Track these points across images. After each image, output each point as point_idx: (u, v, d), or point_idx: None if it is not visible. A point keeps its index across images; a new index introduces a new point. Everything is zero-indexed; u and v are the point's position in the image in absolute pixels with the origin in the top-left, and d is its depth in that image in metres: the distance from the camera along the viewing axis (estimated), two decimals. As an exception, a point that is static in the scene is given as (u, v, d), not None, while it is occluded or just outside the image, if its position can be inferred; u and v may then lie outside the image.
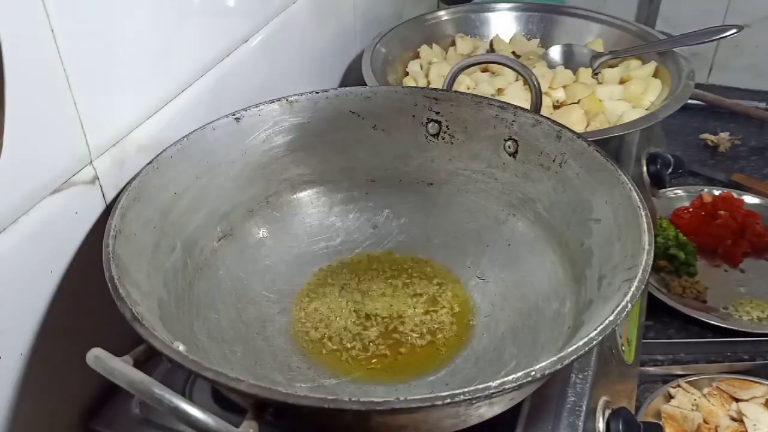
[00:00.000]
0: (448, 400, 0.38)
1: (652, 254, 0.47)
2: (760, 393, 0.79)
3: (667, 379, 0.83)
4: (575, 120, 0.81)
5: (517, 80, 0.87)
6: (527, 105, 0.66)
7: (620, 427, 0.53)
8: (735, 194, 1.06)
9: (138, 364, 0.42)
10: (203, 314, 0.54)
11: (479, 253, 0.63)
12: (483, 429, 0.46)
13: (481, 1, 1.05)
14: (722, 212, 1.01)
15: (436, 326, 0.58)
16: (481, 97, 0.63)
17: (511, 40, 1.00)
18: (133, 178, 0.53)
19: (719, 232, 1.00)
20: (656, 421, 0.78)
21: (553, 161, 0.59)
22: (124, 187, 0.53)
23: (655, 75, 0.89)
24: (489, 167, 0.63)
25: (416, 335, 0.57)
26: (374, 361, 0.55)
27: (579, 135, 0.57)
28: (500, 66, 0.87)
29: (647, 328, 0.88)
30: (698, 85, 1.00)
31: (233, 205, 0.61)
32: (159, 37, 0.55)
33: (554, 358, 0.40)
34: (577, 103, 0.85)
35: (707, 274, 0.96)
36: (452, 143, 0.64)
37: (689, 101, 0.81)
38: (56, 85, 0.46)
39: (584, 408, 0.52)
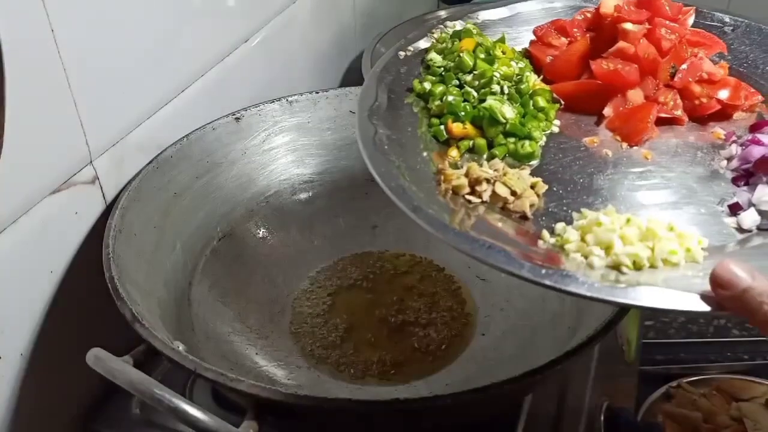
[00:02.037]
0: (448, 400, 0.38)
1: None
2: (760, 393, 0.79)
3: (667, 379, 0.83)
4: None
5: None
6: (527, 105, 0.65)
7: (620, 427, 0.53)
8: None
9: (138, 364, 0.42)
10: (203, 314, 0.54)
11: (479, 253, 0.62)
12: (483, 429, 0.47)
13: (480, 1, 1.05)
14: (630, 27, 0.49)
15: (435, 326, 0.58)
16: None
17: (510, 40, 1.00)
18: (133, 178, 0.53)
19: (615, 76, 0.48)
20: (656, 421, 0.78)
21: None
22: (124, 187, 0.53)
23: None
24: (489, 167, 0.63)
25: (416, 335, 0.57)
26: (374, 360, 0.55)
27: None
28: (500, 66, 0.87)
29: (647, 328, 0.88)
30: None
31: (233, 205, 0.61)
32: (159, 37, 0.55)
33: (554, 358, 0.40)
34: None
35: (557, 155, 0.47)
36: (452, 143, 0.64)
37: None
38: (56, 85, 0.46)
39: (584, 408, 0.52)
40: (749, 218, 0.41)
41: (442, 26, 0.54)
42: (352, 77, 0.91)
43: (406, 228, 0.65)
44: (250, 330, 0.56)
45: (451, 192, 0.42)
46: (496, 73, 0.47)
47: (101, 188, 0.53)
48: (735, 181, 0.44)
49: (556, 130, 0.48)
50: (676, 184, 0.44)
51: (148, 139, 0.56)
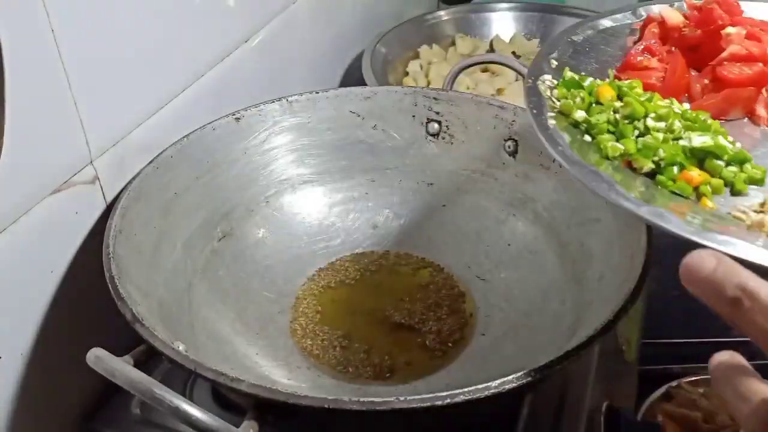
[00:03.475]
0: (448, 400, 0.38)
1: (652, 255, 0.47)
2: (760, 393, 0.79)
3: (667, 378, 0.83)
4: (575, 120, 0.80)
5: (517, 80, 0.87)
6: (527, 105, 0.66)
7: (620, 427, 0.53)
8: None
9: (138, 364, 0.42)
10: (203, 314, 0.54)
11: (479, 253, 0.63)
12: (483, 429, 0.47)
13: (481, 1, 1.05)
14: (733, 30, 0.51)
15: (435, 326, 0.58)
16: (481, 97, 0.63)
17: (511, 40, 1.00)
18: (134, 178, 0.53)
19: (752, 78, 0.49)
20: (656, 421, 0.78)
21: (553, 161, 0.59)
22: (124, 187, 0.53)
23: (655, 75, 0.88)
24: (489, 167, 0.63)
25: (416, 335, 0.57)
26: (374, 360, 0.55)
27: (579, 135, 0.57)
28: (500, 66, 0.87)
29: (647, 328, 0.88)
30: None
31: (233, 205, 0.61)
32: (159, 37, 0.55)
33: (554, 358, 0.40)
34: (577, 103, 0.85)
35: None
36: (452, 143, 0.64)
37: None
38: (56, 85, 0.46)
39: (584, 408, 0.52)
40: None
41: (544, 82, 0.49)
42: (352, 77, 0.91)
43: (406, 228, 0.66)
44: (250, 330, 0.56)
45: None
46: (675, 109, 0.44)
47: (101, 188, 0.53)
48: None
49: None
50: None
51: (149, 139, 0.56)
